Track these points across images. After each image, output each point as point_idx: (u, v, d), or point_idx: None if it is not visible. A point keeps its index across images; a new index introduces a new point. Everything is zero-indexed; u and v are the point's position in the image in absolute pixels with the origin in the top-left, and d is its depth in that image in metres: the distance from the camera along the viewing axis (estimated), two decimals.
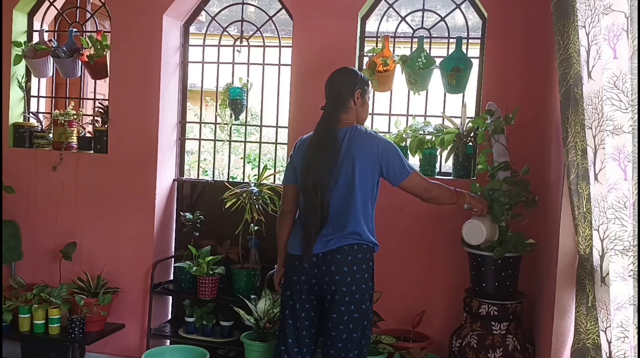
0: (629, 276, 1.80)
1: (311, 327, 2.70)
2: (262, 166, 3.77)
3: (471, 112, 3.51)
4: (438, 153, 3.48)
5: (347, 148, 2.57)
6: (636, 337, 1.79)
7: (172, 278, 3.90)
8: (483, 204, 2.83)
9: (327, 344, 2.63)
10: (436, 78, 3.45)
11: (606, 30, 1.81)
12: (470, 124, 3.34)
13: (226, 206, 3.46)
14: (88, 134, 3.97)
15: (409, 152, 3.47)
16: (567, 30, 1.99)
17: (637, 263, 1.77)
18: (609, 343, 1.87)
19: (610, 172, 1.84)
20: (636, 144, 1.75)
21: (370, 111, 3.65)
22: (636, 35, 1.73)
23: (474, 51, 3.52)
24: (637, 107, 1.74)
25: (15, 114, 4.00)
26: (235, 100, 3.71)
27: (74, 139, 3.91)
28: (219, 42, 3.98)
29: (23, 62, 3.95)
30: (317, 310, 2.69)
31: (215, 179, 4.02)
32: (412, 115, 3.64)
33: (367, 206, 2.60)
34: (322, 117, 2.68)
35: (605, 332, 1.88)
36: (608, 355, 1.87)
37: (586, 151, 1.91)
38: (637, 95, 1.74)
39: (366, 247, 2.60)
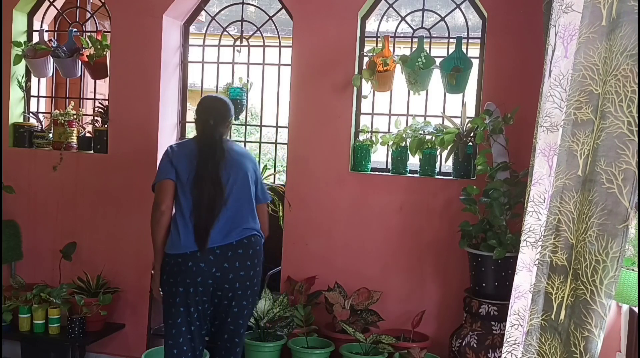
0: (534, 265, 1.83)
1: (202, 328, 2.69)
2: (262, 166, 3.77)
3: (471, 112, 3.51)
4: (438, 153, 3.48)
5: (233, 155, 2.70)
6: (529, 322, 1.83)
7: None
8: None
9: (223, 338, 2.71)
10: (436, 78, 3.45)
11: (563, 29, 1.81)
12: (470, 124, 3.34)
13: None
14: (88, 134, 3.97)
15: (409, 152, 3.47)
16: None
17: (545, 253, 1.82)
18: (506, 330, 1.95)
19: (537, 167, 1.88)
20: (566, 138, 1.76)
21: (370, 110, 3.68)
22: (584, 32, 1.72)
23: (474, 51, 3.52)
24: (573, 102, 1.75)
25: (15, 114, 4.00)
26: (235, 100, 3.71)
27: (74, 139, 3.92)
28: (219, 42, 3.98)
29: (23, 62, 3.95)
30: (209, 310, 2.70)
31: None
32: (412, 115, 3.64)
33: (255, 203, 2.76)
34: (206, 128, 2.70)
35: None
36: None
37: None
38: (575, 90, 1.74)
39: (259, 237, 2.74)
